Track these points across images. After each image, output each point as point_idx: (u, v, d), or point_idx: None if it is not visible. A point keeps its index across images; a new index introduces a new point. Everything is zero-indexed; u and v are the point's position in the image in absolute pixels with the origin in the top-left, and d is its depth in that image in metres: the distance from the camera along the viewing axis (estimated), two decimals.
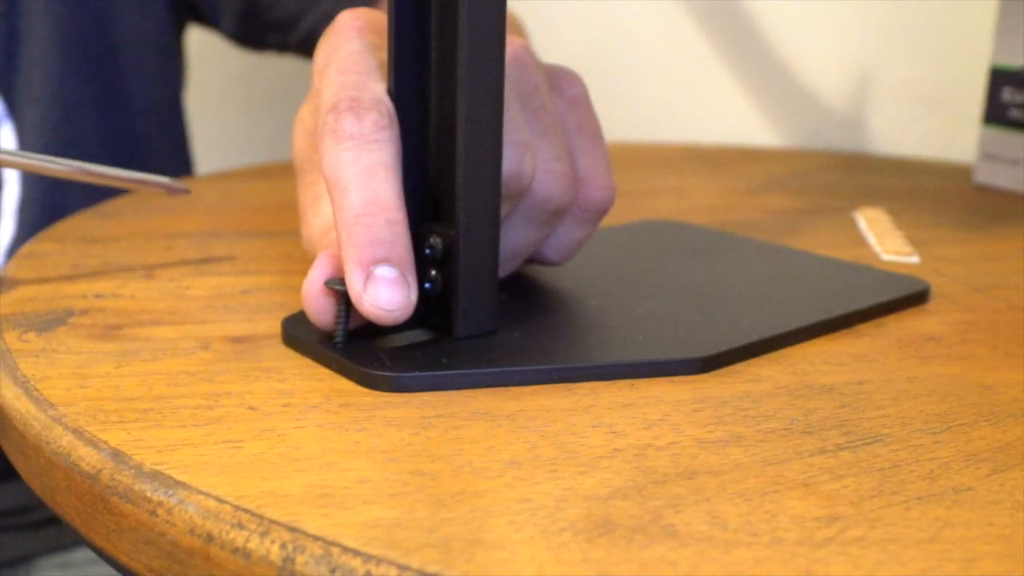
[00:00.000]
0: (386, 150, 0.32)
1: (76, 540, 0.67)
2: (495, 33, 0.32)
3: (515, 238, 0.36)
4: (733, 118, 0.84)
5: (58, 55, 0.65)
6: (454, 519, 0.24)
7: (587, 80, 0.39)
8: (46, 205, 0.64)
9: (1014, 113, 0.63)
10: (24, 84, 0.64)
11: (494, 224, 0.33)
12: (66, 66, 0.65)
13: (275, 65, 0.93)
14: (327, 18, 0.67)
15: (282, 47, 0.72)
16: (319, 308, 0.32)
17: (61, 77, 0.65)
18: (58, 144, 0.65)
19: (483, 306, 0.33)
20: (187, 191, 0.39)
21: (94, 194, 0.64)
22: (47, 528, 0.67)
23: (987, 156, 0.65)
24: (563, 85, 0.38)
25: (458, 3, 0.31)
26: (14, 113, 0.64)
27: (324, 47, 0.36)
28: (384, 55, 0.34)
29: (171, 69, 0.72)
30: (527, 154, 0.34)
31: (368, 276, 0.31)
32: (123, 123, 0.69)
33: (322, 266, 0.32)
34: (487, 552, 0.22)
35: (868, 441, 0.28)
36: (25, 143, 0.64)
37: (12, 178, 0.64)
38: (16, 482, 0.66)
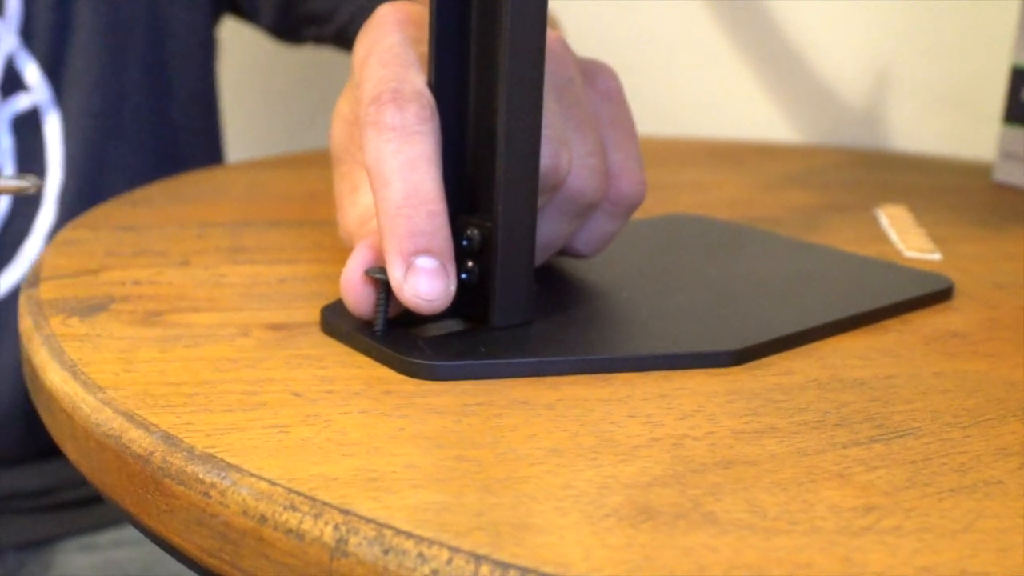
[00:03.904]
0: (427, 142, 0.33)
1: (98, 523, 0.68)
2: (536, 28, 0.32)
3: (548, 231, 0.36)
4: (753, 114, 0.84)
5: (105, 44, 0.66)
6: (501, 504, 0.24)
7: None
8: (87, 192, 0.65)
9: None
10: (71, 72, 0.65)
11: (531, 217, 0.33)
12: (112, 55, 0.66)
13: (295, 56, 0.94)
14: (362, 11, 0.68)
15: (318, 40, 0.73)
16: (358, 296, 0.33)
17: (107, 66, 0.66)
18: (101, 131, 0.66)
19: (519, 297, 0.34)
20: (36, 189, 0.38)
21: (134, 182, 0.65)
22: (70, 510, 0.68)
23: (1006, 154, 0.65)
24: (597, 79, 0.38)
25: (497, 2, 0.32)
26: (61, 101, 0.64)
27: (364, 39, 0.36)
28: (424, 48, 0.35)
29: (210, 60, 0.73)
30: (563, 149, 0.34)
31: (409, 266, 0.31)
32: (166, 112, 0.70)
33: (361, 255, 0.33)
34: (535, 536, 0.23)
35: (899, 434, 0.29)
36: (70, 130, 0.65)
37: (55, 165, 0.65)
38: (38, 465, 0.67)
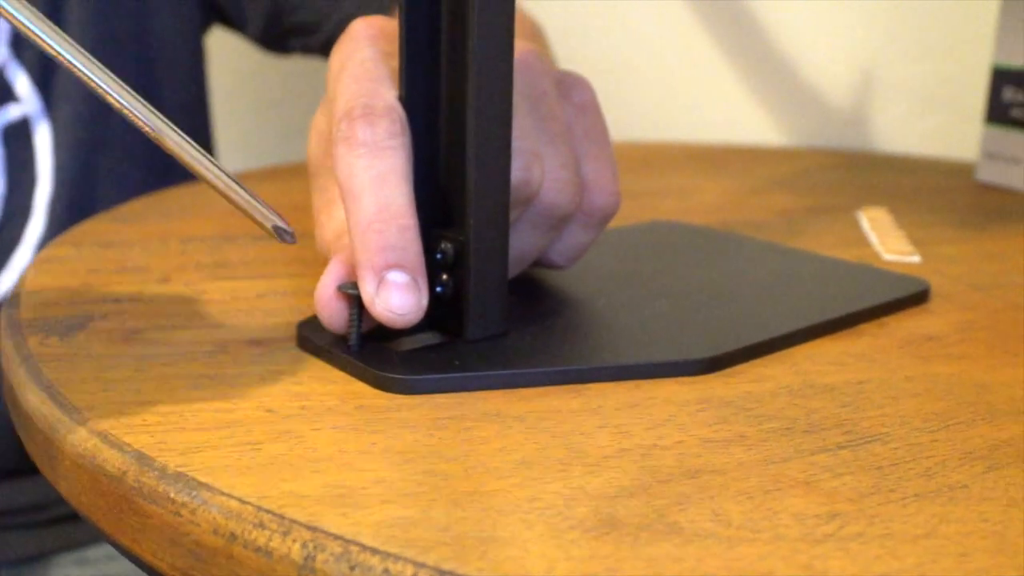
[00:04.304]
0: (398, 157, 0.33)
1: (92, 537, 0.68)
2: (503, 42, 0.32)
3: (521, 243, 0.37)
4: (738, 117, 0.85)
5: (93, 54, 0.66)
6: (467, 518, 0.24)
7: (592, 80, 0.40)
8: (76, 202, 0.66)
9: (1015, 112, 0.64)
10: (61, 83, 0.65)
11: (503, 230, 0.34)
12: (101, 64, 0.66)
13: (282, 66, 0.94)
14: (349, 21, 0.68)
15: (306, 50, 0.73)
16: (332, 312, 0.33)
17: None
18: (89, 141, 0.66)
19: (493, 309, 0.34)
20: (293, 239, 0.34)
21: (123, 193, 0.65)
22: (63, 525, 0.68)
23: (989, 154, 0.65)
24: (572, 91, 0.39)
25: (467, 13, 0.32)
26: (51, 112, 0.65)
27: (338, 54, 0.36)
28: (397, 63, 0.35)
29: (199, 70, 0.73)
30: (535, 162, 0.35)
31: (380, 281, 0.32)
32: None
33: (334, 271, 0.33)
34: (499, 549, 0.23)
35: (867, 440, 0.29)
36: (59, 140, 0.65)
37: (45, 175, 0.65)
38: (33, 479, 0.67)
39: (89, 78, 0.30)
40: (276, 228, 0.33)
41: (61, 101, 0.65)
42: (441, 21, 0.33)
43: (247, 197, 0.32)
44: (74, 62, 0.30)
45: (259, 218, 0.33)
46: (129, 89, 0.31)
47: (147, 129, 0.31)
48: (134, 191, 0.68)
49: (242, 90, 1.04)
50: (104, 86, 0.31)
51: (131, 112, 0.31)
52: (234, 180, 0.32)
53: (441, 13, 0.33)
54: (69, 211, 0.65)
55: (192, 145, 0.32)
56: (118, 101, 0.31)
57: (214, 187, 0.32)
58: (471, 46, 0.32)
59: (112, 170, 0.68)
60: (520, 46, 0.37)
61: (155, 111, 0.31)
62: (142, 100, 0.31)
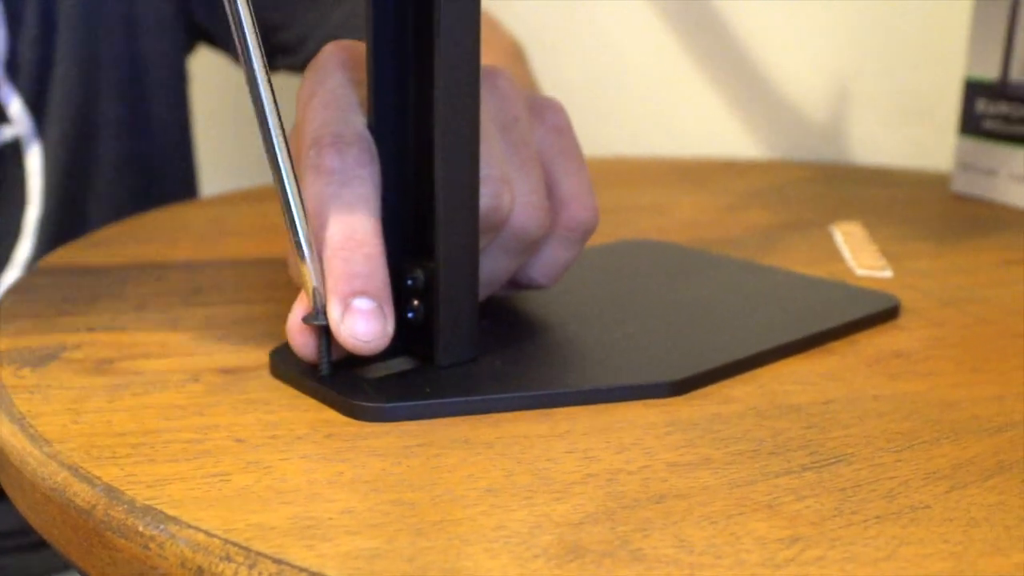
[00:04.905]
0: (366, 185, 0.33)
1: None
2: (469, 70, 0.33)
3: (492, 268, 0.37)
4: (715, 130, 0.85)
5: (82, 77, 0.67)
6: (432, 548, 0.25)
7: (571, 95, 0.40)
8: (65, 222, 0.66)
9: (988, 123, 0.64)
10: (52, 105, 0.66)
11: (472, 257, 0.34)
12: (90, 87, 0.68)
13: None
14: (331, 39, 0.69)
15: (290, 69, 0.74)
16: (303, 342, 0.33)
17: (84, 98, 0.67)
18: (79, 162, 0.67)
19: (463, 335, 0.34)
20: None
21: (111, 213, 0.66)
22: (47, 548, 0.68)
23: (963, 166, 0.66)
24: (545, 114, 0.39)
25: (432, 42, 0.32)
26: (41, 132, 0.66)
27: (308, 80, 0.37)
28: (366, 90, 0.35)
29: (183, 90, 0.74)
30: (505, 188, 0.35)
31: (346, 308, 0.32)
32: (142, 143, 0.71)
33: (304, 300, 0.34)
34: None
35: (832, 461, 0.30)
36: (48, 161, 0.66)
37: (35, 195, 0.66)
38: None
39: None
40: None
41: (51, 122, 0.66)
42: (407, 48, 0.34)
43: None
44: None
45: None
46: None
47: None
48: (121, 211, 0.69)
49: (225, 111, 1.05)
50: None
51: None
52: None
53: (407, 41, 0.34)
54: (58, 232, 0.66)
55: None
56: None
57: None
58: (437, 75, 0.32)
59: (100, 191, 0.69)
60: (493, 70, 0.38)
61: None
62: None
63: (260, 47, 0.31)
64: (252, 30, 0.31)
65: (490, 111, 0.36)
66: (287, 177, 0.31)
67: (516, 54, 0.69)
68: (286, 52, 0.73)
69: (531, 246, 0.37)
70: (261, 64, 0.31)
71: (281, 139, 0.31)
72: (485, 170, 0.34)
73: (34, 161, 0.66)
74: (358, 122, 0.34)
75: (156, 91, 0.71)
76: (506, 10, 0.78)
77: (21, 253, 0.65)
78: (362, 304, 0.32)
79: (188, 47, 0.74)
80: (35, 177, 0.66)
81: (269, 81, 0.31)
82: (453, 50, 0.32)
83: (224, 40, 0.74)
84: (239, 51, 0.31)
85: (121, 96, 0.69)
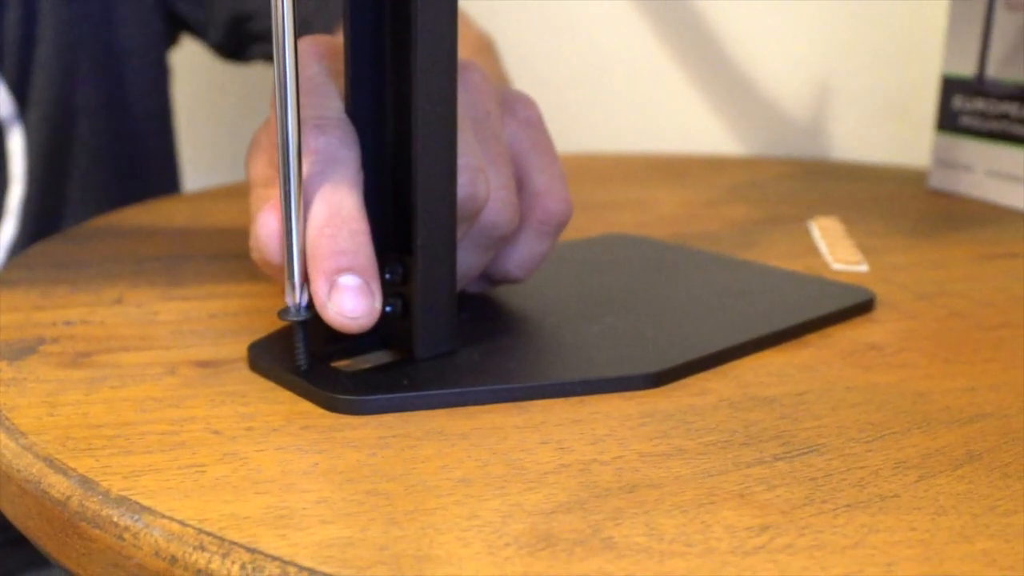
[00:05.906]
0: (350, 167, 0.33)
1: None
2: (446, 61, 0.33)
3: (462, 262, 0.37)
4: (696, 127, 0.85)
5: (61, 60, 0.67)
6: (405, 537, 0.25)
7: (552, 92, 0.40)
8: (48, 204, 0.67)
9: (965, 120, 0.65)
10: (33, 87, 0.67)
11: (451, 250, 0.34)
12: (68, 70, 0.68)
13: (247, 80, 0.95)
14: (308, 30, 0.69)
15: (267, 57, 0.74)
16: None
17: (64, 81, 0.68)
18: (60, 144, 0.67)
19: (441, 328, 0.35)
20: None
21: (91, 194, 0.66)
22: (29, 543, 0.68)
23: (940, 162, 0.66)
24: (517, 108, 0.39)
25: (410, 33, 0.32)
26: (24, 115, 0.66)
27: None
28: (343, 81, 0.36)
29: (164, 80, 0.74)
30: (480, 177, 0.35)
31: (332, 285, 0.32)
32: (121, 129, 0.72)
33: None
34: (435, 567, 0.24)
35: (803, 451, 0.30)
36: (30, 143, 0.66)
37: (18, 177, 0.66)
38: None
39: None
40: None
41: (33, 104, 0.66)
42: (384, 41, 0.34)
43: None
44: None
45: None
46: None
47: None
48: (102, 192, 0.70)
49: (206, 105, 1.04)
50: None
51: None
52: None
53: (384, 34, 0.34)
54: (41, 213, 0.66)
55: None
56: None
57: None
58: (414, 68, 0.32)
59: (80, 173, 0.69)
60: (465, 64, 0.38)
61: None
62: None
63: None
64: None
65: (462, 106, 0.36)
66: (292, 164, 0.31)
67: (486, 48, 0.69)
68: (262, 41, 0.73)
69: (499, 241, 0.37)
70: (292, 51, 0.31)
71: (295, 123, 0.31)
72: (461, 159, 0.34)
73: (16, 142, 0.66)
74: (339, 107, 0.35)
75: (136, 78, 0.72)
76: (486, 7, 0.78)
77: (5, 233, 0.66)
78: (349, 280, 0.32)
79: (170, 37, 0.75)
80: (17, 158, 0.66)
81: (296, 68, 0.31)
82: (431, 43, 0.32)
83: (198, 26, 0.74)
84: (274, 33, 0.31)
85: (99, 80, 0.70)
